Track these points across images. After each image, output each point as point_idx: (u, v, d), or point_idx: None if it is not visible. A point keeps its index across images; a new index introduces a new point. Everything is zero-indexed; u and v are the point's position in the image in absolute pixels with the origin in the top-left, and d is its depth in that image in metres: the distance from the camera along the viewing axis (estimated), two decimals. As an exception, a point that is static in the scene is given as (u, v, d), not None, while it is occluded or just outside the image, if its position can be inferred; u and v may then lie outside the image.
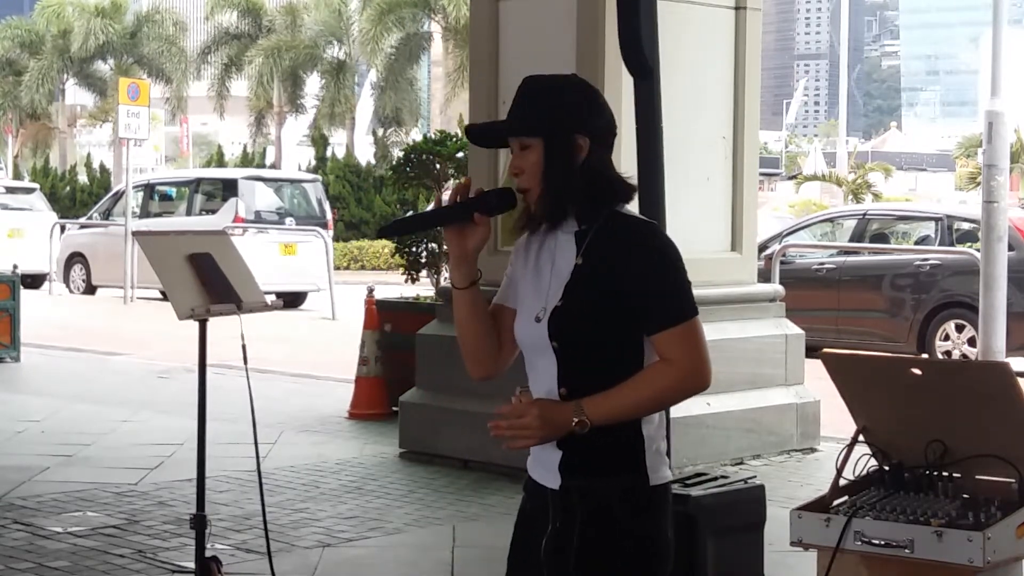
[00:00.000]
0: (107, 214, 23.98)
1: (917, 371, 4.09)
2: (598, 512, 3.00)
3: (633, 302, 2.99)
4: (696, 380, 3.00)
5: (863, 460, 4.15)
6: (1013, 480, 3.92)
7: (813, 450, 9.13)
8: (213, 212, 22.30)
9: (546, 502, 3.08)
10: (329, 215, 23.29)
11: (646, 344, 3.02)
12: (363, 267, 31.41)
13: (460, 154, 11.65)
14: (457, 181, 11.95)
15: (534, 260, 3.13)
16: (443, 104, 45.73)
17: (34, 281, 23.94)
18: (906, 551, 3.82)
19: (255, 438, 5.31)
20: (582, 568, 3.01)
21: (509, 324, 3.15)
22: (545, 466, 3.07)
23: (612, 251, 3.02)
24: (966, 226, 14.95)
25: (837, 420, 6.73)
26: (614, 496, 3.00)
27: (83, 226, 24.70)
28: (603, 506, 3.00)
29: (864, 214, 16.56)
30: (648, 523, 3.03)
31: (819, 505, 4.06)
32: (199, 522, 5.22)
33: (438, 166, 11.79)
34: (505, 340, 3.16)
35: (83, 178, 42.75)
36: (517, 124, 3.09)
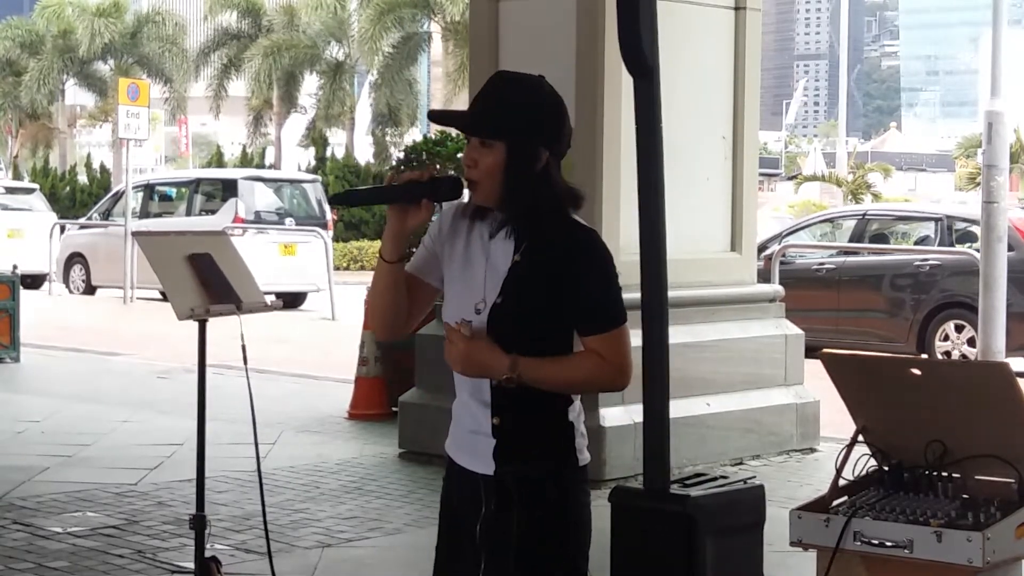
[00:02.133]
0: (107, 214, 23.98)
1: (917, 371, 4.09)
2: (534, 493, 3.16)
3: (570, 304, 3.14)
4: (620, 379, 3.19)
5: (863, 460, 4.15)
6: (1012, 480, 3.93)
7: (813, 450, 9.13)
8: (213, 212, 22.30)
9: (476, 487, 3.23)
10: (329, 215, 23.27)
11: (576, 336, 3.18)
12: (363, 267, 31.41)
13: (460, 155, 11.65)
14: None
15: (463, 247, 3.23)
16: (443, 104, 45.66)
17: (34, 281, 23.92)
18: (905, 551, 3.82)
19: (255, 438, 5.31)
20: (523, 546, 3.15)
21: (420, 295, 3.28)
22: (475, 453, 3.23)
23: (551, 253, 3.14)
24: (966, 226, 14.96)
25: (837, 420, 6.73)
26: (548, 478, 3.17)
27: (83, 226, 24.70)
28: (538, 488, 3.17)
29: (864, 214, 16.56)
30: (575, 500, 3.20)
31: (819, 505, 4.06)
32: (199, 522, 5.22)
33: (438, 167, 11.79)
34: (413, 309, 3.29)
35: (83, 178, 42.75)
36: (485, 126, 3.16)
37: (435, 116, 3.33)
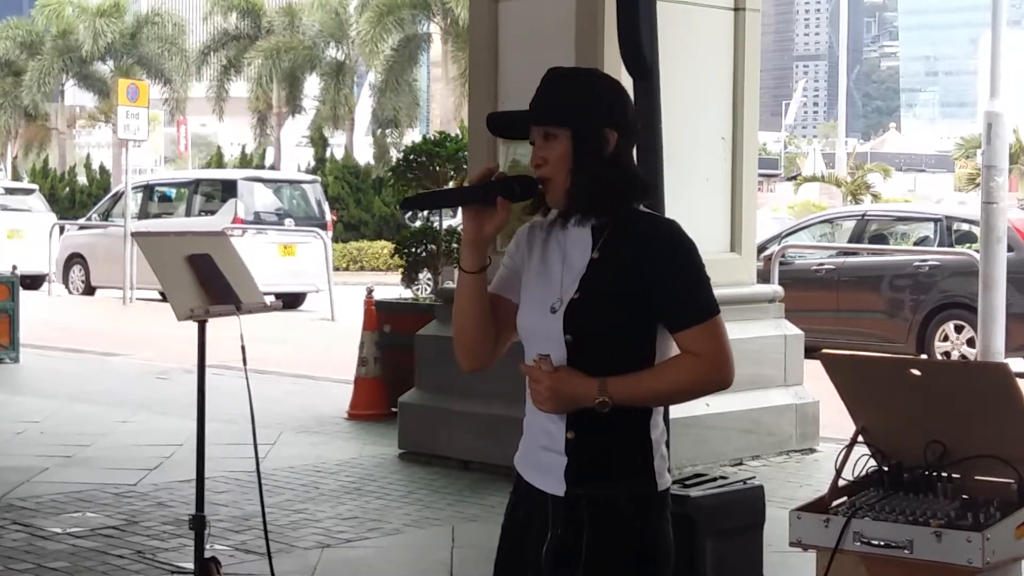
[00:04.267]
0: (106, 215, 24.00)
1: (916, 372, 4.09)
2: (607, 519, 2.97)
3: (654, 299, 2.97)
4: (720, 375, 2.97)
5: (862, 461, 4.15)
6: (1012, 480, 3.92)
7: (812, 451, 9.13)
8: (212, 213, 22.33)
9: (544, 507, 3.03)
10: (328, 216, 23.30)
11: (659, 338, 3.00)
12: (362, 268, 31.43)
13: (459, 154, 11.66)
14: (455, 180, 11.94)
15: (540, 252, 3.09)
16: (453, 111, 45.56)
17: (33, 282, 23.93)
18: (905, 552, 3.81)
19: (255, 439, 5.31)
20: (591, 574, 2.97)
21: (506, 315, 3.10)
22: (546, 471, 3.02)
23: (631, 247, 3.00)
24: (965, 227, 14.96)
25: (836, 421, 6.73)
26: (623, 502, 2.97)
27: (82, 227, 24.71)
28: (612, 513, 2.97)
29: (863, 215, 16.57)
30: (655, 527, 3.01)
31: (818, 506, 4.06)
32: (198, 523, 5.22)
33: (437, 167, 11.80)
34: (500, 332, 3.11)
35: (82, 179, 42.76)
36: (548, 112, 3.04)
37: (494, 120, 3.16)
